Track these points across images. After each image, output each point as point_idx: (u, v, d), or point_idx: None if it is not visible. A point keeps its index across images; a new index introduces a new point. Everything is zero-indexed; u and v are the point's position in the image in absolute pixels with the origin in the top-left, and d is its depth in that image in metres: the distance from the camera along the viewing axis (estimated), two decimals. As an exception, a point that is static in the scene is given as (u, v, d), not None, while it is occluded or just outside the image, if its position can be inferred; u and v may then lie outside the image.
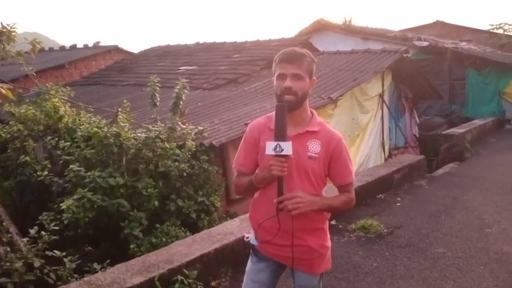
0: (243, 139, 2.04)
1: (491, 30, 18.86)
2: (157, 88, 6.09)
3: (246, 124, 5.64)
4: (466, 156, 8.46)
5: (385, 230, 4.46)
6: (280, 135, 1.74)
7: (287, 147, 1.72)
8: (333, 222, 4.59)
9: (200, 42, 14.03)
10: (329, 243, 2.05)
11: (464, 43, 15.28)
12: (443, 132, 10.28)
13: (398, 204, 5.44)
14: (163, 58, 12.95)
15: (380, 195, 5.66)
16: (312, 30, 15.04)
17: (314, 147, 1.87)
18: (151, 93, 6.00)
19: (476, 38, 17.91)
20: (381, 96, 8.94)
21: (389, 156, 9.14)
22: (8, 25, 5.29)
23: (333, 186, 2.06)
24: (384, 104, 9.09)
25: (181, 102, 5.86)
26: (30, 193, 5.74)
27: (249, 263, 2.13)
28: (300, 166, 1.84)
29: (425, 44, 13.54)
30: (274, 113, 1.86)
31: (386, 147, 9.26)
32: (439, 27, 19.36)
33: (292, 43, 11.33)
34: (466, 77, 13.40)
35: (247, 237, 2.11)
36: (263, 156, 1.85)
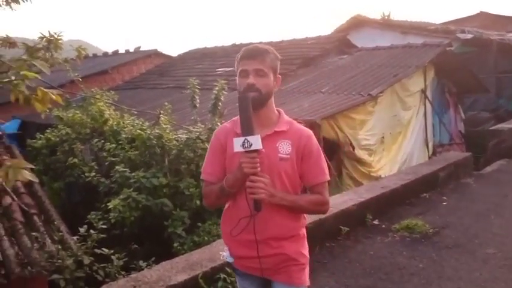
0: (209, 147, 1.92)
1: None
2: (197, 90, 6.20)
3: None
4: (516, 153, 8.03)
5: (430, 230, 4.31)
6: (246, 129, 1.60)
7: (256, 142, 1.58)
8: (375, 222, 4.50)
9: (236, 43, 14.14)
10: (307, 252, 1.89)
11: (511, 34, 14.52)
12: (491, 128, 9.82)
13: (444, 203, 5.24)
14: (201, 60, 13.15)
15: (424, 194, 5.48)
16: (349, 26, 14.78)
17: (284, 147, 1.75)
18: (191, 96, 6.12)
19: (524, 29, 16.97)
20: (423, 91, 8.65)
21: (434, 153, 8.82)
22: (55, 33, 5.55)
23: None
24: (426, 99, 8.79)
25: (220, 104, 5.94)
26: (78, 193, 6.00)
27: (237, 283, 2.01)
28: (272, 169, 1.71)
29: (469, 36, 12.97)
30: (239, 116, 1.75)
31: (430, 145, 8.95)
32: (483, 18, 18.48)
33: (328, 40, 11.22)
34: (513, 69, 12.74)
35: (223, 256, 1.95)
36: (232, 159, 1.74)
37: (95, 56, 15.43)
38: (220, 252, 2.15)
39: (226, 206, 1.88)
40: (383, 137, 7.43)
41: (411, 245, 4.02)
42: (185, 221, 4.62)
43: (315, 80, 8.71)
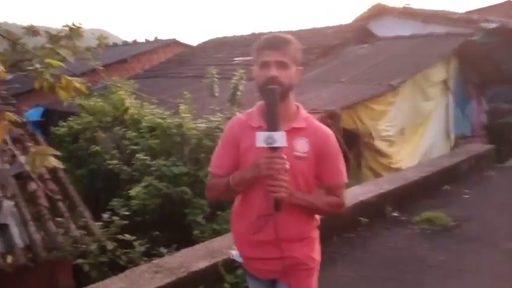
0: (221, 139, 1.81)
1: None
2: (216, 80, 6.22)
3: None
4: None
5: (452, 223, 4.26)
6: (272, 124, 1.51)
7: (280, 138, 1.48)
8: (395, 214, 4.48)
9: (256, 32, 14.08)
10: (317, 255, 1.80)
11: (537, 23, 14.03)
12: (514, 120, 9.59)
13: (466, 196, 5.17)
14: (220, 50, 13.14)
15: (446, 186, 5.41)
16: (369, 15, 14.52)
17: (301, 145, 1.65)
18: (210, 85, 6.14)
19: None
20: (446, 82, 8.49)
21: (455, 145, 8.68)
22: (78, 23, 5.64)
23: None
24: (448, 90, 8.63)
25: (238, 93, 5.95)
26: (100, 181, 6.12)
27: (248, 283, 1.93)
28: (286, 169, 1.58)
29: (493, 25, 12.60)
30: (254, 109, 1.71)
31: (452, 137, 8.80)
32: (508, 7, 17.91)
33: (348, 29, 11.07)
34: (539, 60, 12.33)
35: (232, 255, 1.89)
36: (246, 154, 1.66)
37: (115, 45, 15.57)
38: (229, 250, 1.96)
39: (236, 203, 1.81)
40: (403, 128, 7.33)
41: (431, 238, 3.99)
42: (205, 209, 4.67)
43: (335, 69, 8.63)
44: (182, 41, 14.97)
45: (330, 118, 5.60)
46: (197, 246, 3.40)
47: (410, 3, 18.72)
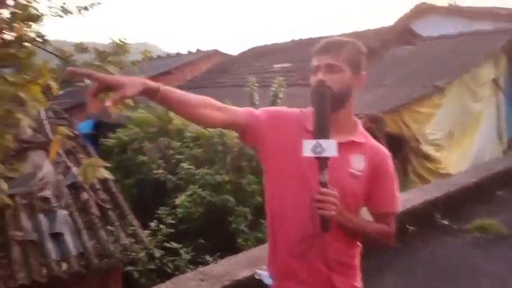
0: (253, 113, 1.51)
1: None
2: (255, 88, 6.28)
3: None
4: None
5: (506, 231, 4.04)
6: (320, 130, 1.33)
7: (330, 147, 1.30)
8: (445, 222, 4.30)
9: (295, 39, 14.09)
10: (358, 283, 1.59)
11: None
12: None
13: (522, 201, 4.89)
14: (260, 58, 13.26)
15: (499, 192, 5.14)
16: (412, 15, 14.13)
17: (358, 162, 1.46)
18: (250, 93, 6.21)
19: None
20: (496, 81, 8.09)
21: (509, 148, 8.24)
22: (123, 38, 5.91)
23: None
24: (499, 90, 8.21)
25: (278, 100, 5.98)
26: (147, 190, 6.32)
27: None
28: (337, 184, 1.37)
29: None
30: (308, 111, 1.50)
31: (505, 139, 8.35)
32: None
33: (391, 31, 10.83)
34: None
35: (259, 275, 1.69)
36: (283, 161, 1.46)
37: (158, 57, 16.11)
38: (256, 270, 1.75)
39: (270, 220, 1.57)
40: (452, 131, 7.05)
41: (484, 246, 3.80)
42: (248, 216, 4.71)
43: (377, 72, 8.45)
44: (223, 51, 15.24)
45: (373, 122, 5.48)
46: (241, 255, 3.42)
47: (456, 1, 18.05)
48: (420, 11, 14.12)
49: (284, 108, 1.58)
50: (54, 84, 2.86)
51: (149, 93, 1.27)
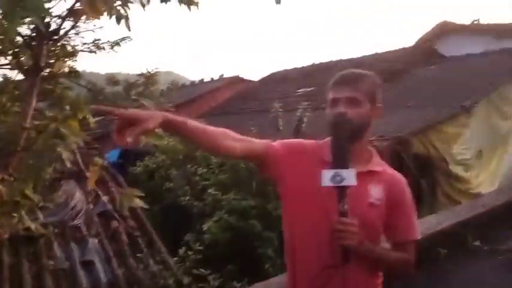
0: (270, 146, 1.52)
1: None
2: (280, 113, 6.36)
3: (370, 142, 5.51)
4: None
5: (544, 253, 3.88)
6: (340, 159, 1.35)
7: (349, 176, 1.31)
8: (477, 244, 4.16)
9: (315, 63, 14.22)
10: None
11: None
12: None
13: (558, 222, 4.69)
14: (282, 83, 13.42)
15: (533, 212, 4.95)
16: (434, 35, 14.05)
17: (377, 192, 1.46)
18: (275, 119, 6.29)
19: None
20: (524, 99, 7.90)
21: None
22: (152, 70, 6.16)
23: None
24: (528, 107, 8.00)
25: (303, 125, 6.02)
26: (174, 216, 6.40)
27: None
28: (357, 216, 1.36)
29: None
30: (324, 142, 1.52)
31: (537, 157, 8.08)
32: None
33: (413, 51, 10.81)
34: None
35: None
36: (304, 196, 1.45)
37: (183, 85, 16.52)
38: None
39: (290, 251, 1.54)
40: (480, 151, 6.89)
41: (520, 269, 3.65)
42: (274, 242, 4.69)
43: (401, 93, 8.42)
44: (245, 77, 15.52)
45: (399, 144, 5.44)
46: (270, 281, 3.39)
47: (479, 18, 17.85)
48: (442, 31, 14.02)
49: (300, 140, 1.61)
50: (91, 119, 3.00)
51: (168, 126, 1.31)
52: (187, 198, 5.66)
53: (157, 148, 7.37)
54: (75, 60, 3.87)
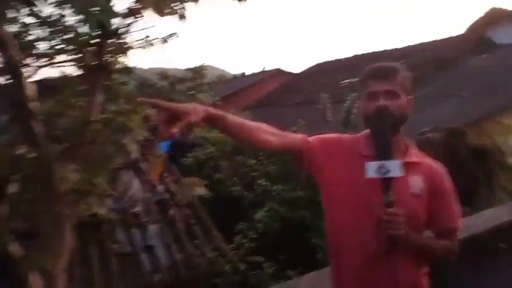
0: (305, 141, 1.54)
1: None
2: (327, 104, 6.34)
3: (422, 133, 5.40)
4: None
5: None
6: (384, 151, 1.36)
7: (394, 168, 1.32)
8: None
9: (358, 54, 13.99)
10: None
11: None
12: None
13: None
14: (325, 75, 13.31)
15: None
16: (484, 22, 13.45)
17: (417, 182, 1.47)
18: (323, 110, 6.28)
19: None
20: None
21: None
22: (200, 66, 6.33)
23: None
24: None
25: (352, 116, 5.98)
26: (223, 206, 6.55)
27: None
28: (400, 207, 1.37)
29: None
30: (361, 136, 1.54)
31: None
32: None
33: (464, 39, 10.41)
34: None
35: None
36: (346, 189, 1.47)
37: (225, 79, 16.74)
38: None
39: (333, 245, 1.56)
40: (540, 142, 6.57)
41: None
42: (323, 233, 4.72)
43: (453, 83, 8.17)
44: (286, 69, 15.52)
45: (454, 135, 5.30)
46: (324, 270, 3.44)
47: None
48: (492, 18, 13.38)
49: (336, 135, 1.61)
50: (153, 113, 3.15)
51: (209, 120, 1.34)
52: (238, 188, 5.78)
53: (207, 140, 7.55)
54: (128, 57, 4.05)
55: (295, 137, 1.54)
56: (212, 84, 8.48)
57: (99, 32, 3.24)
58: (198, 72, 6.31)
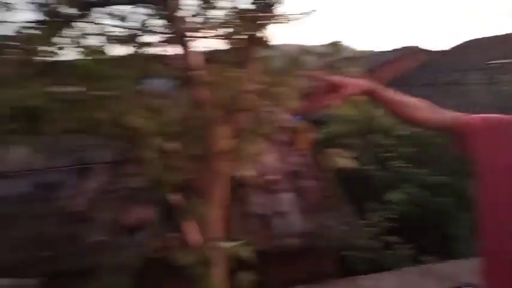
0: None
1: None
2: (478, 86, 5.79)
3: None
4: None
5: None
6: None
7: None
8: None
9: (509, 33, 12.29)
10: None
11: None
12: None
13: None
14: (468, 53, 12.07)
15: None
16: None
17: None
18: (472, 92, 5.76)
19: None
20: None
21: None
22: (336, 41, 6.28)
23: None
24: None
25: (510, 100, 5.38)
26: (352, 184, 6.51)
27: None
28: None
29: None
30: None
31: None
32: None
33: None
34: None
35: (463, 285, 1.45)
36: (498, 176, 1.25)
37: (360, 56, 16.26)
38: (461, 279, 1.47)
39: (487, 230, 1.32)
40: None
41: None
42: (466, 223, 4.41)
43: None
44: (425, 47, 14.42)
45: None
46: (465, 262, 3.27)
47: None
48: None
49: (500, 115, 1.39)
50: (302, 85, 3.26)
51: (370, 94, 1.36)
52: (371, 168, 5.66)
53: (337, 117, 7.51)
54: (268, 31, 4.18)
55: (455, 115, 1.40)
56: (351, 60, 8.32)
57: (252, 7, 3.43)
58: (336, 47, 6.28)
